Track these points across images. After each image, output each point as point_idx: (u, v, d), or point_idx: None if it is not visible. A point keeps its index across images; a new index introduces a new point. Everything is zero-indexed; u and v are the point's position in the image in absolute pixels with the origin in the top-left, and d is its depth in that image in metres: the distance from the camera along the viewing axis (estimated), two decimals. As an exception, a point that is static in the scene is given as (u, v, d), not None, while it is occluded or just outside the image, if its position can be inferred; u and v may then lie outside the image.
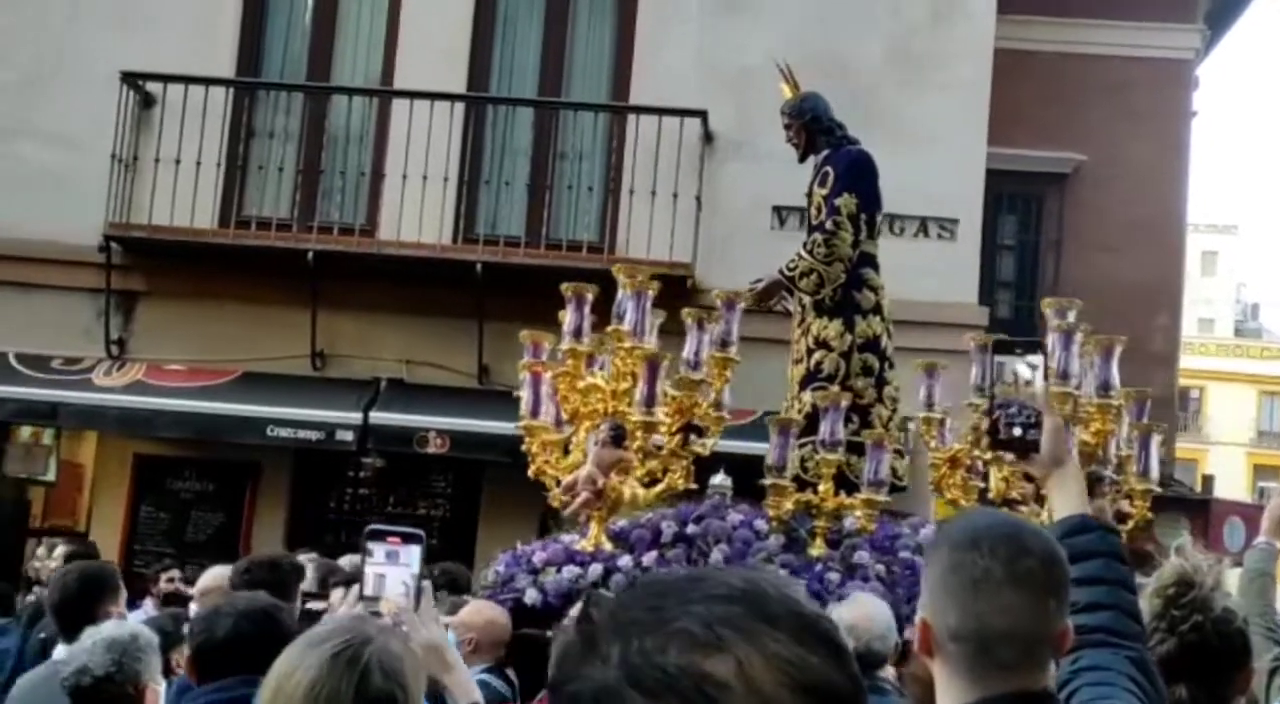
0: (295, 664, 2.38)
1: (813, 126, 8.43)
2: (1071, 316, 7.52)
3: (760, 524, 7.36)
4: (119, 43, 13.23)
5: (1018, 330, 17.55)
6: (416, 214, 12.59)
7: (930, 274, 12.81)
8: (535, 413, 7.66)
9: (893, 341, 8.21)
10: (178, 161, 12.73)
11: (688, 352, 7.55)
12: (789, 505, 7.28)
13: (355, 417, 12.47)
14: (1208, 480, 21.23)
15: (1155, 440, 7.83)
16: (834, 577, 7.00)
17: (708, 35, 13.37)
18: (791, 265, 8.13)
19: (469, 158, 13.24)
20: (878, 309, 8.10)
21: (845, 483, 7.55)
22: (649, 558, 7.22)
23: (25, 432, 14.60)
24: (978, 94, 13.35)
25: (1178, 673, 2.92)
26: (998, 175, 14.25)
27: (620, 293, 7.62)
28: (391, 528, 2.93)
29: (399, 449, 12.77)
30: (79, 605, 5.15)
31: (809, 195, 8.44)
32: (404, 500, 13.79)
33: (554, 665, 1.15)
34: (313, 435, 12.33)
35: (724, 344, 7.68)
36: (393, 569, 2.75)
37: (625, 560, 7.22)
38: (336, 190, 13.63)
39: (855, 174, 8.15)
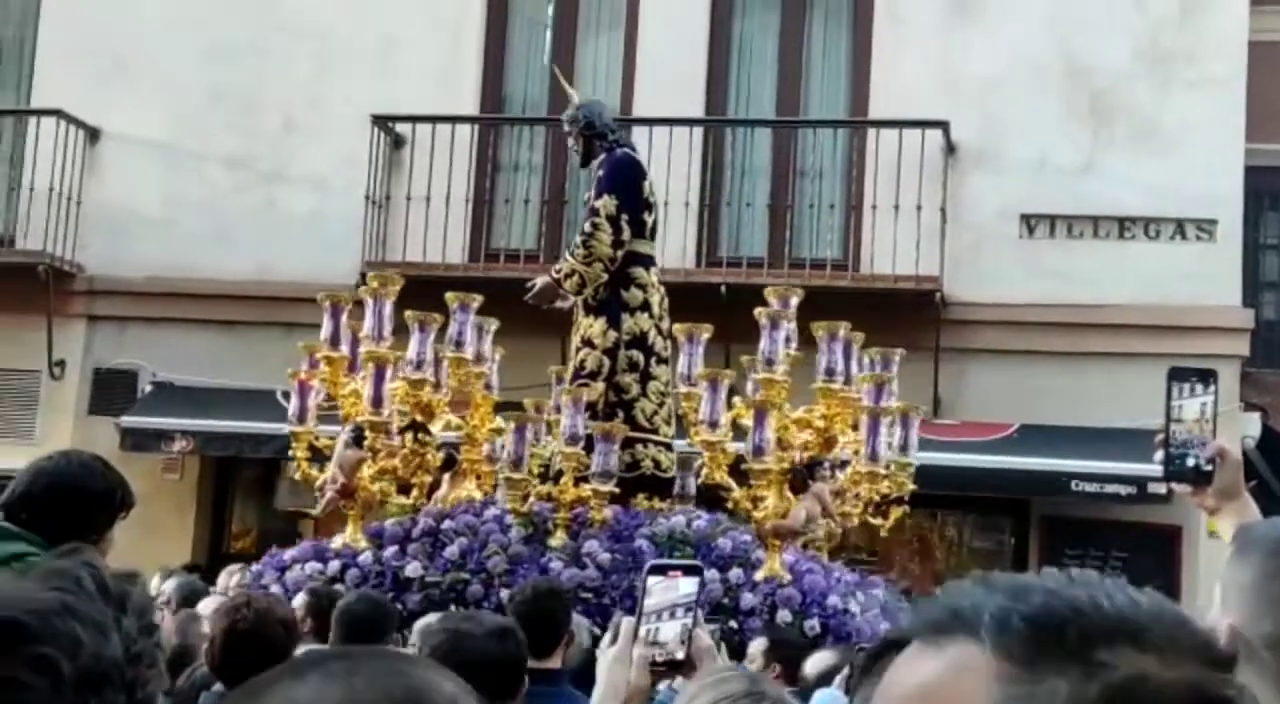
0: None
1: (587, 133, 8.67)
2: (794, 303, 7.92)
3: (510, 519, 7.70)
4: (367, 87, 13.65)
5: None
6: (660, 239, 12.64)
7: (1189, 277, 12.40)
8: (302, 419, 8.28)
9: (665, 338, 8.37)
10: (428, 199, 13.07)
11: (411, 352, 7.95)
12: (532, 498, 7.63)
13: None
14: None
15: (884, 426, 7.88)
16: (557, 565, 7.34)
17: (946, 44, 13.17)
18: (558, 268, 8.46)
19: (709, 181, 13.27)
20: (646, 306, 8.37)
21: (652, 481, 8.09)
22: (390, 552, 7.64)
23: (294, 466, 15.09)
24: (1232, 90, 12.86)
25: None
26: (1257, 172, 13.68)
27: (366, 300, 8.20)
28: (673, 562, 2.86)
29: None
30: (370, 632, 5.20)
31: (587, 199, 8.77)
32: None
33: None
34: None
35: (457, 344, 8.17)
36: (672, 605, 2.67)
37: (365, 556, 7.65)
38: (581, 220, 13.79)
39: (615, 176, 8.45)
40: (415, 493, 8.26)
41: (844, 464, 8.06)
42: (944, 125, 12.75)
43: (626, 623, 2.64)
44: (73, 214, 14.03)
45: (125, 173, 14.18)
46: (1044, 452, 11.76)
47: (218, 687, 4.18)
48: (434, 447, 8.26)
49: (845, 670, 4.96)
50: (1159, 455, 2.79)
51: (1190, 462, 2.77)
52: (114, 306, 14.11)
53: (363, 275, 13.33)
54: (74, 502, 3.59)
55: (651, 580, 2.64)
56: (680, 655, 2.62)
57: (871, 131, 12.93)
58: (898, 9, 13.37)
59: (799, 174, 13.44)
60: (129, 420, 13.31)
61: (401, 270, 13.26)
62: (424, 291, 13.33)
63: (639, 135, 13.19)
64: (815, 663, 5.53)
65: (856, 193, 13.03)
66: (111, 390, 13.86)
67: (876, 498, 8.10)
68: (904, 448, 8.32)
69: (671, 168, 12.69)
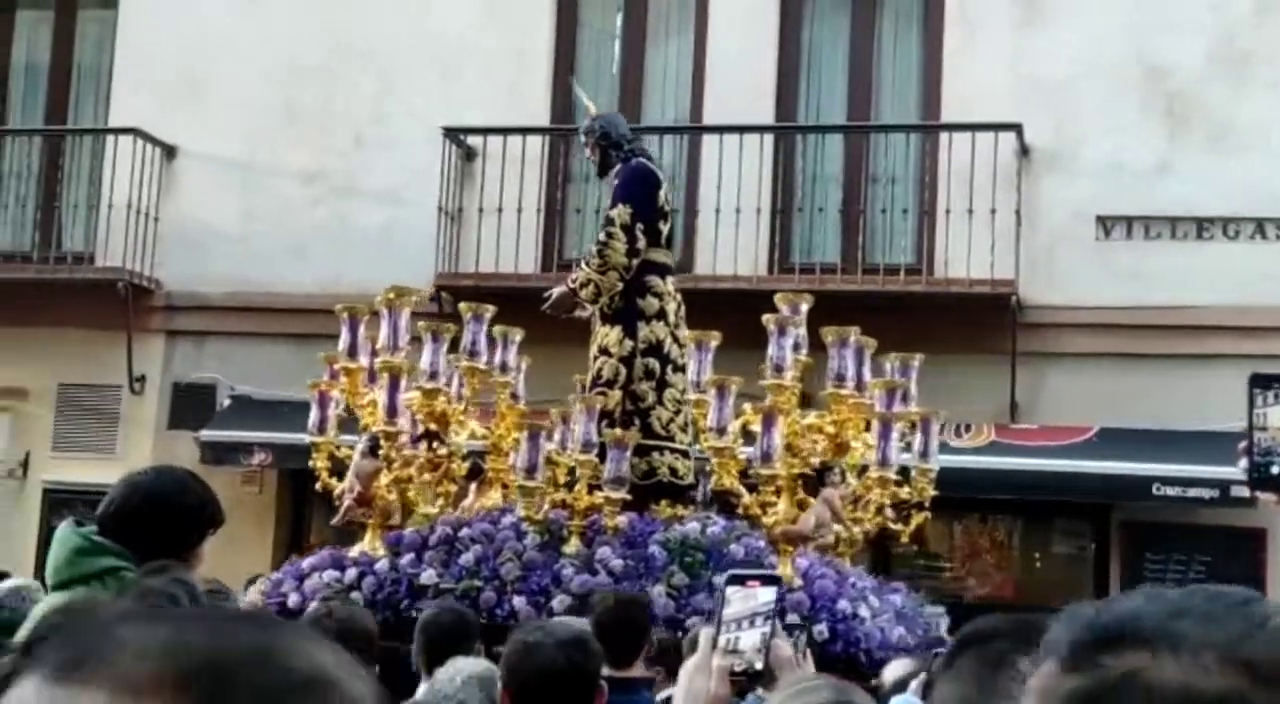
0: None
1: (603, 144, 8.72)
2: (804, 309, 7.94)
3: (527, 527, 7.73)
4: (437, 100, 13.72)
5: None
6: (732, 247, 12.66)
7: (1270, 277, 12.24)
8: (322, 429, 8.37)
9: (681, 346, 8.36)
10: (499, 210, 13.12)
11: (424, 362, 7.96)
12: (546, 505, 7.65)
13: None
14: None
15: (896, 431, 7.84)
16: (570, 571, 7.34)
17: (1018, 46, 13.07)
18: (574, 277, 8.51)
19: (780, 188, 13.24)
20: (662, 315, 8.39)
21: (669, 488, 8.13)
22: (406, 560, 7.69)
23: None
24: (1310, 88, 12.68)
25: None
26: (1338, 169, 13.47)
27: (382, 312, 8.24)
28: (751, 572, 2.85)
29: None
30: (453, 643, 5.20)
31: (605, 209, 8.83)
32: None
33: None
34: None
35: (471, 354, 8.18)
36: (751, 614, 2.67)
37: (382, 564, 7.69)
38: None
39: (629, 186, 8.47)
40: (441, 502, 8.30)
41: (864, 470, 8.00)
42: (1017, 128, 12.65)
43: (706, 633, 2.63)
44: (150, 231, 14.22)
45: (201, 189, 14.34)
46: (1125, 456, 11.63)
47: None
48: (459, 456, 8.29)
49: (922, 676, 4.94)
50: (1243, 464, 2.75)
51: (1275, 469, 2.73)
52: (192, 321, 14.28)
53: (437, 288, 13.44)
54: (168, 517, 3.62)
55: (730, 590, 2.63)
56: (759, 665, 2.61)
57: (944, 135, 12.85)
58: (969, 11, 13.28)
59: (871, 179, 13.38)
60: (208, 434, 13.45)
61: (474, 281, 13.38)
62: (497, 302, 13.41)
63: (709, 143, 13.21)
64: (893, 670, 5.52)
65: (930, 197, 12.94)
66: (190, 405, 14.01)
67: (890, 503, 8.03)
68: (924, 454, 8.24)
69: (743, 175, 12.68)
